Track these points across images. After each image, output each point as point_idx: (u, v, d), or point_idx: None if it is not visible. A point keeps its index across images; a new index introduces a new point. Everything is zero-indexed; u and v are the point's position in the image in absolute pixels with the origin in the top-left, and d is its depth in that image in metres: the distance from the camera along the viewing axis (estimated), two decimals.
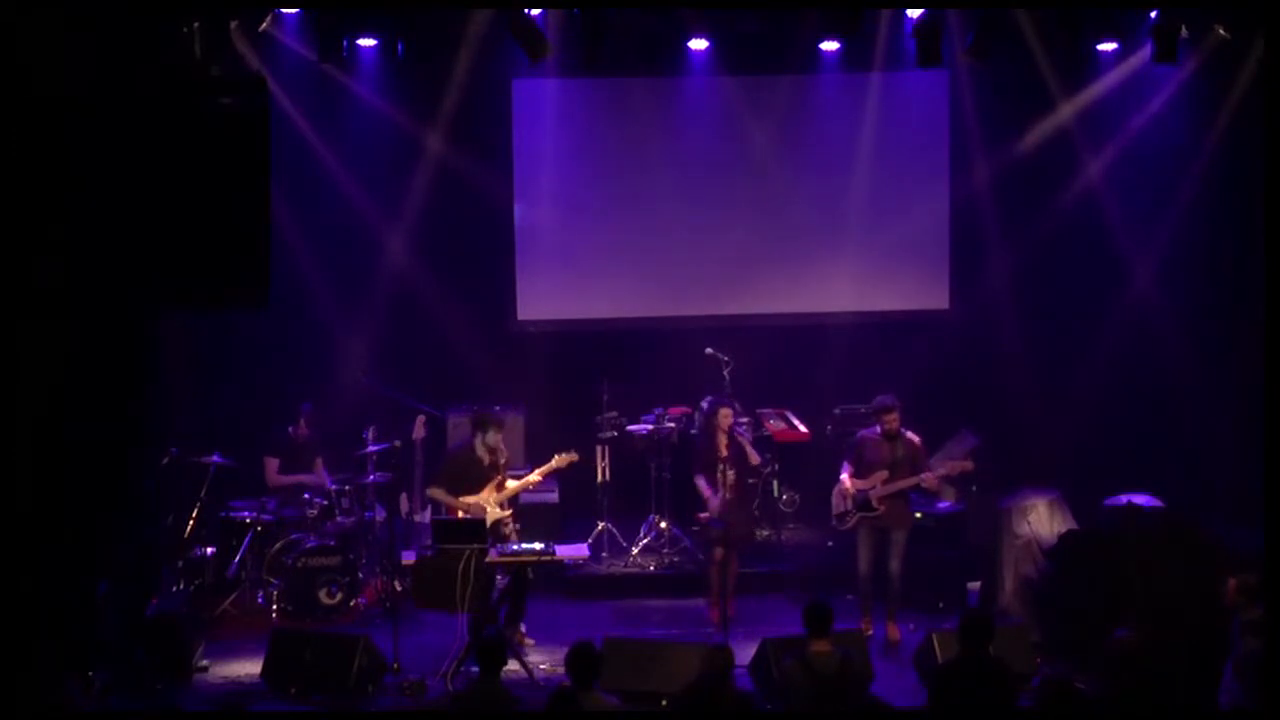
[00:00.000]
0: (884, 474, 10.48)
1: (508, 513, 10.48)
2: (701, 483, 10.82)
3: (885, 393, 10.65)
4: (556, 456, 10.57)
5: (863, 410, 11.96)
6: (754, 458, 11.04)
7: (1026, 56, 12.52)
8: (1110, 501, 10.67)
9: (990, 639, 7.75)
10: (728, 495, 10.62)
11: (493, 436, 10.48)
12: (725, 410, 10.94)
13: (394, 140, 13.19)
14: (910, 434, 10.62)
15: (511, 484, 10.56)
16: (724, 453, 10.76)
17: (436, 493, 10.52)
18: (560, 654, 7.98)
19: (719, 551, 10.71)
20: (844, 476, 10.66)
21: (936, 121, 13.64)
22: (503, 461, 10.58)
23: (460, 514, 10.26)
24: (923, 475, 10.50)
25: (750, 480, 11.24)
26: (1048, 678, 8.01)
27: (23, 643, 6.48)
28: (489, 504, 10.35)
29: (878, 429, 10.63)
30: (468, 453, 10.52)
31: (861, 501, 10.54)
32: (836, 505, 10.75)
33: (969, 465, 10.97)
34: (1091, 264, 13.34)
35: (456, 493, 10.38)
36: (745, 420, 12.33)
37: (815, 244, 13.79)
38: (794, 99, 13.65)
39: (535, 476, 10.64)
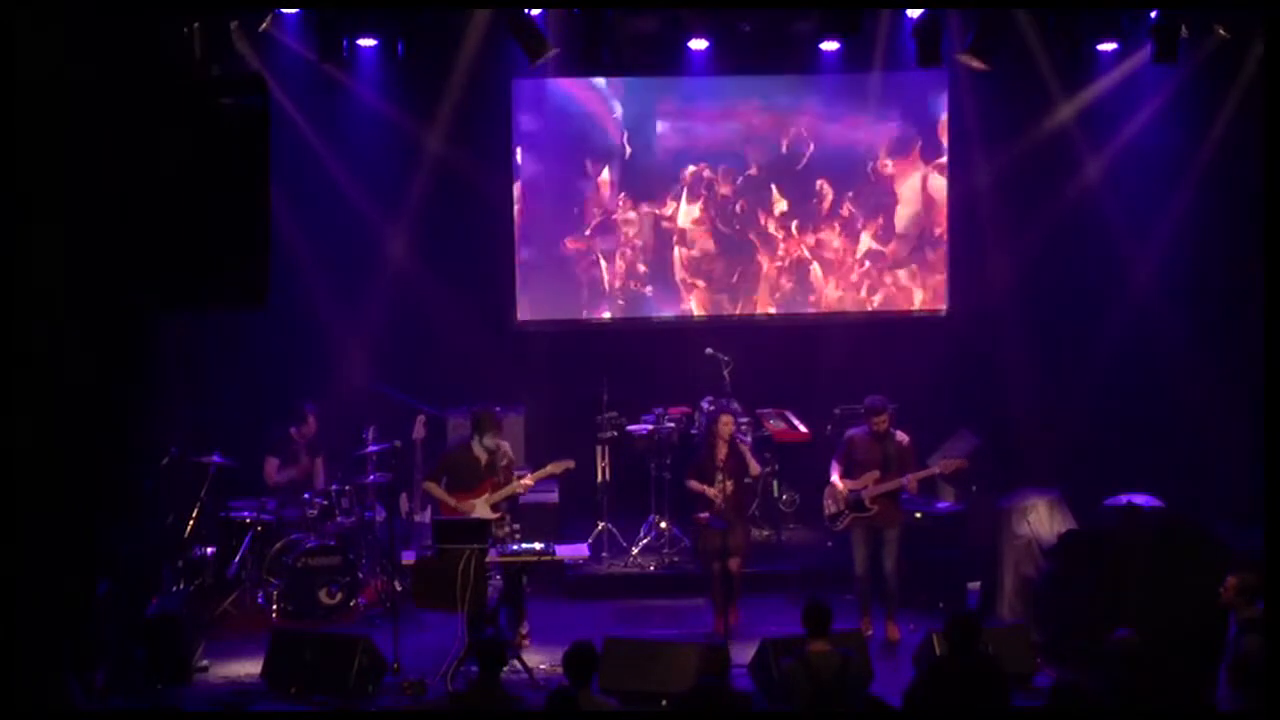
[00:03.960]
0: (875, 474, 10.48)
1: (497, 515, 10.43)
2: (693, 483, 10.72)
3: (877, 394, 10.68)
4: (551, 464, 10.55)
5: (862, 410, 11.96)
6: (755, 469, 10.89)
7: (1026, 56, 12.52)
8: (1110, 501, 10.67)
9: (977, 638, 7.74)
10: (724, 505, 10.56)
11: (490, 439, 10.46)
12: (726, 417, 10.78)
13: (394, 140, 13.20)
14: (899, 433, 10.63)
15: (503, 490, 10.52)
16: (721, 462, 10.68)
17: (431, 487, 10.54)
18: (560, 654, 7.97)
19: (716, 565, 10.63)
20: (834, 477, 10.66)
21: (936, 121, 13.66)
22: (503, 464, 10.51)
23: (452, 511, 10.28)
24: (904, 479, 10.48)
25: (746, 480, 11.18)
26: (1061, 682, 8.00)
27: (23, 643, 6.48)
28: (480, 505, 10.35)
29: (866, 428, 10.64)
30: (464, 451, 10.52)
31: (854, 502, 10.53)
32: (828, 506, 10.74)
33: (963, 463, 10.95)
34: (1091, 264, 13.35)
35: (452, 490, 10.38)
36: (745, 420, 12.32)
37: (815, 244, 13.81)
38: (794, 99, 13.68)
39: (528, 481, 10.60)
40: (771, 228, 13.77)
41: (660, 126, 13.68)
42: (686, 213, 13.75)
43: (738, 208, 13.74)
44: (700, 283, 13.81)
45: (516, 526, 10.68)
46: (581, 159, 13.72)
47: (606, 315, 13.79)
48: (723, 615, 10.46)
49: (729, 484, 10.59)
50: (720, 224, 13.77)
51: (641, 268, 13.79)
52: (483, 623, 9.74)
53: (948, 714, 7.52)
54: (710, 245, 13.79)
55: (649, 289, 13.82)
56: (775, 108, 13.67)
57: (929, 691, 7.64)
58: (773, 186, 13.74)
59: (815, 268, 13.82)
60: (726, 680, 7.72)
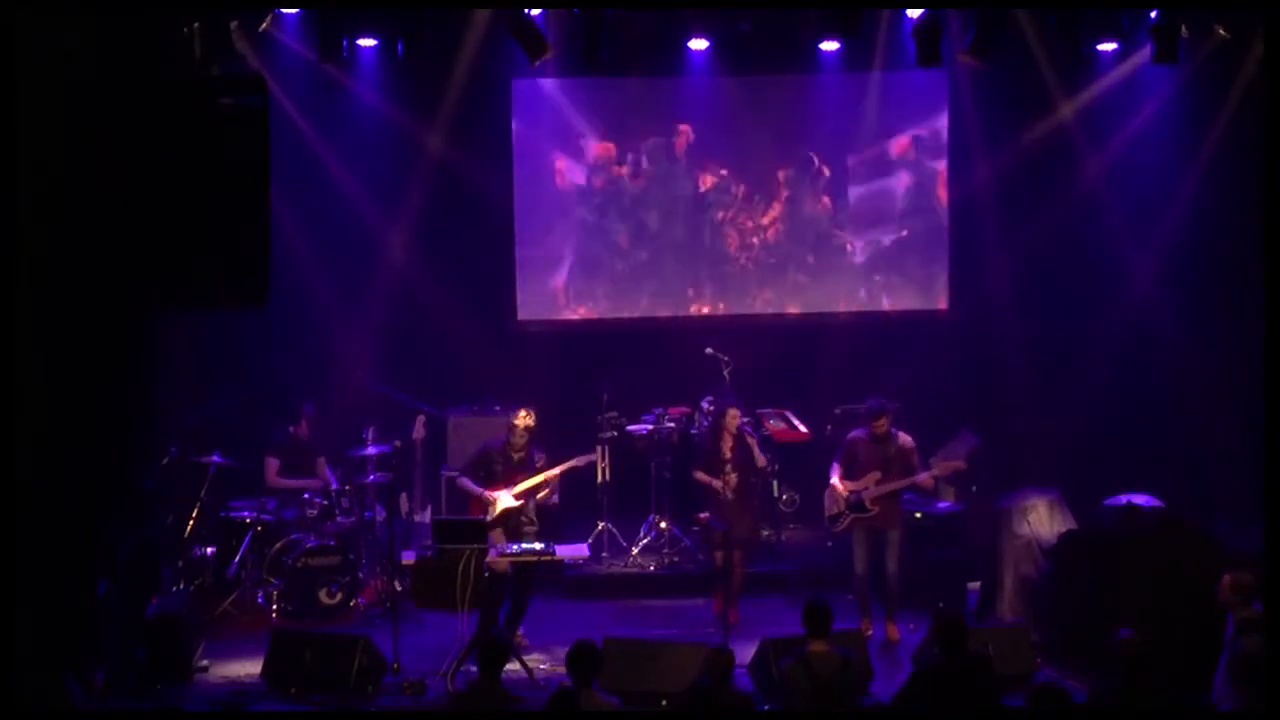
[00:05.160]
0: (877, 475, 10.50)
1: (519, 504, 10.46)
2: (700, 475, 10.81)
3: (877, 395, 10.74)
4: (576, 457, 10.60)
5: (862, 411, 11.96)
6: (760, 460, 11.07)
7: (1026, 56, 12.52)
8: (1110, 501, 10.67)
9: (964, 638, 7.73)
10: (730, 497, 10.63)
11: (513, 437, 10.50)
12: (733, 411, 10.92)
13: (394, 140, 13.20)
14: (902, 435, 10.64)
15: (529, 480, 10.55)
16: (728, 455, 10.77)
17: (462, 481, 10.59)
18: (560, 654, 7.99)
19: (719, 556, 10.69)
20: (834, 479, 10.68)
21: (936, 121, 13.66)
22: (539, 464, 10.52)
23: (478, 499, 10.32)
24: (919, 476, 10.51)
25: (752, 479, 11.21)
26: (1043, 684, 8.00)
27: (23, 643, 6.48)
28: (505, 495, 10.38)
29: (866, 430, 10.66)
30: (502, 448, 10.55)
31: (855, 503, 10.55)
32: (829, 507, 10.76)
33: (961, 465, 10.96)
34: (1091, 264, 13.34)
35: (482, 484, 10.42)
36: (746, 420, 12.32)
37: (815, 244, 13.82)
38: (794, 99, 13.68)
39: (554, 472, 10.60)
40: (768, 227, 13.76)
41: (657, 126, 13.67)
42: (683, 214, 13.74)
43: (733, 208, 13.73)
44: (699, 282, 13.80)
45: (534, 528, 10.63)
46: (580, 159, 13.72)
47: (606, 315, 13.78)
48: (724, 605, 10.50)
49: (734, 477, 10.70)
50: (716, 224, 13.76)
51: (641, 266, 13.78)
52: (491, 620, 9.78)
53: (939, 715, 7.52)
54: (706, 246, 13.78)
55: (649, 288, 13.82)
56: (773, 108, 13.67)
57: (922, 693, 7.63)
58: (768, 187, 13.73)
59: (812, 268, 13.82)
60: (730, 681, 7.70)
